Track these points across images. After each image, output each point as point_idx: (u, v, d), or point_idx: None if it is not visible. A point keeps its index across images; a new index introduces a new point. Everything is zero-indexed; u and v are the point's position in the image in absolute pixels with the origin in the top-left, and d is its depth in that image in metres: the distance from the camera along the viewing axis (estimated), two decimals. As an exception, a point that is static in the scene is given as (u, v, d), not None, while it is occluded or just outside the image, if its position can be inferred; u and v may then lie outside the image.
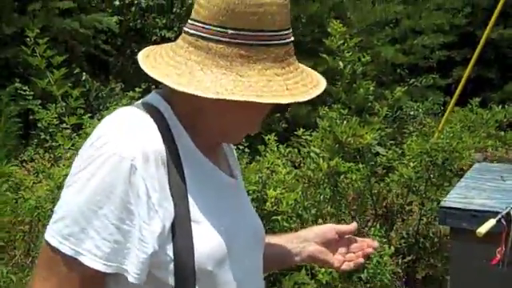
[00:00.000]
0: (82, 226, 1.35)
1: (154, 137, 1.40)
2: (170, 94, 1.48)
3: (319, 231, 1.79)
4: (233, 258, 1.46)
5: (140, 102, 1.52)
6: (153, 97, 1.50)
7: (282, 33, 1.42)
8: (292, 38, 1.46)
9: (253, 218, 1.63)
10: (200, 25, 1.42)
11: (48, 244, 1.37)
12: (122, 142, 1.36)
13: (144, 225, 1.35)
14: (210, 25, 1.40)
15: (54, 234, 1.37)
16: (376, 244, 1.76)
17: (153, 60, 1.46)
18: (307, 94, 1.43)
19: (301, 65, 1.50)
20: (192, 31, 1.43)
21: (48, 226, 1.39)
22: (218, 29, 1.39)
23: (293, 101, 1.40)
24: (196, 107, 1.46)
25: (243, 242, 1.51)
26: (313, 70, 1.53)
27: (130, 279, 1.35)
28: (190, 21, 1.45)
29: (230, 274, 1.45)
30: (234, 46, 1.39)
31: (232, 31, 1.38)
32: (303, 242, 1.78)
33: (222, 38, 1.39)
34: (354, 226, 1.76)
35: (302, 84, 1.44)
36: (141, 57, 1.48)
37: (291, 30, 1.46)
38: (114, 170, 1.34)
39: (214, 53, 1.39)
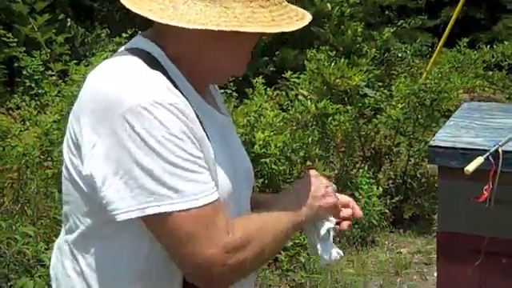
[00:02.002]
0: (180, 176, 1.32)
1: (168, 84, 1.39)
2: (159, 36, 1.46)
3: None
4: (236, 195, 1.50)
5: (129, 47, 1.49)
6: (142, 41, 1.48)
7: None
8: None
9: (244, 157, 1.64)
10: None
11: (169, 214, 1.31)
12: (155, 91, 1.34)
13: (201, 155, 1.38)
14: None
15: (165, 203, 1.31)
16: (360, 213, 1.74)
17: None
18: (293, 25, 1.42)
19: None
20: None
21: (148, 200, 1.32)
22: None
23: (279, 30, 1.40)
24: (185, 46, 1.45)
25: (240, 178, 1.54)
26: (297, 7, 1.51)
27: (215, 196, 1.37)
28: None
29: (232, 208, 1.47)
30: None
31: None
32: None
33: None
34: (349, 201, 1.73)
35: (287, 16, 1.43)
36: None
37: None
38: (168, 118, 1.33)
39: None
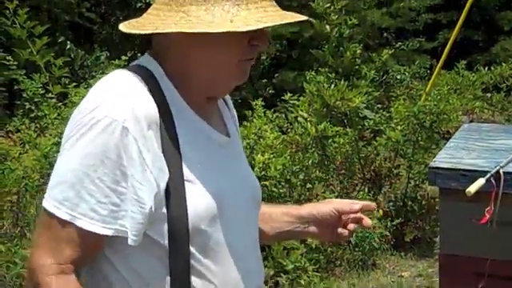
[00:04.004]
0: (76, 191, 1.35)
1: (146, 98, 1.39)
2: (158, 52, 1.48)
3: (319, 214, 1.71)
4: (227, 218, 1.46)
5: (133, 63, 1.51)
6: (144, 58, 1.50)
7: None
8: None
9: (249, 177, 1.61)
10: None
11: (45, 210, 1.38)
12: (113, 105, 1.36)
13: (139, 185, 1.35)
14: None
15: (50, 200, 1.38)
16: (369, 222, 1.70)
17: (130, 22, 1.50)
18: (283, 18, 1.44)
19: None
20: None
21: (46, 194, 1.40)
22: None
23: (235, 30, 1.39)
24: (182, 59, 1.46)
25: (238, 201, 1.50)
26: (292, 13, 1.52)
27: (130, 241, 1.36)
28: None
29: (222, 233, 1.45)
30: None
31: None
32: (304, 223, 1.73)
33: None
34: (357, 206, 1.68)
35: (279, 14, 1.44)
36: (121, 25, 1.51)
37: None
38: (105, 133, 1.34)
39: None
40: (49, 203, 1.38)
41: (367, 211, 1.71)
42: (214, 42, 1.41)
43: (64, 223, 1.36)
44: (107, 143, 1.34)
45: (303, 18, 1.48)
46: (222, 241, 1.45)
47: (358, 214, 1.67)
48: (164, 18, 1.42)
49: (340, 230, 1.69)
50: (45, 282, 1.36)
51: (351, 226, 1.67)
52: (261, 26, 1.40)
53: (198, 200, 1.41)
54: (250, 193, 1.57)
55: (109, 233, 1.36)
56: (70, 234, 1.36)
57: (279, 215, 1.75)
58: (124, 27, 1.46)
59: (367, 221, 1.68)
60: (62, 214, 1.36)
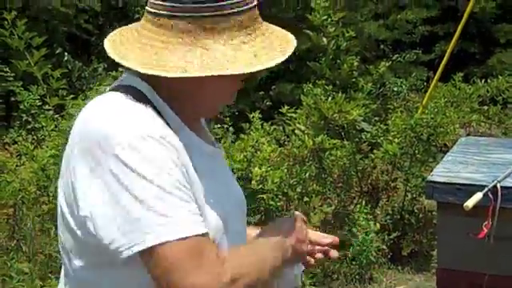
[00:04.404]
0: (178, 209, 1.33)
1: (156, 120, 1.39)
2: (149, 77, 1.46)
3: None
4: (229, 229, 1.48)
5: (117, 84, 1.49)
6: (128, 78, 1.48)
7: None
8: (255, 2, 1.46)
9: (237, 188, 1.64)
10: (160, 2, 1.41)
11: (177, 240, 1.31)
12: (139, 125, 1.35)
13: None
14: (171, 1, 1.39)
15: (172, 231, 1.31)
16: (336, 254, 1.73)
17: (119, 44, 1.46)
18: (275, 59, 1.43)
19: (269, 26, 1.50)
20: (153, 10, 1.43)
21: (156, 235, 1.31)
22: (179, 5, 1.39)
23: (262, 68, 1.40)
24: (179, 91, 1.46)
25: (234, 211, 1.53)
26: (281, 30, 1.52)
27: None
28: (150, 0, 1.45)
29: (227, 243, 1.47)
30: (197, 19, 1.38)
31: (193, 5, 1.38)
32: None
33: (183, 14, 1.38)
34: (328, 240, 1.72)
35: (270, 49, 1.44)
36: (106, 42, 1.48)
37: None
38: (156, 152, 1.34)
39: (178, 30, 1.39)
40: (157, 238, 1.30)
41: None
42: (217, 78, 1.40)
43: (201, 237, 1.34)
44: (165, 157, 1.34)
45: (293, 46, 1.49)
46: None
47: (326, 247, 1.71)
48: (181, 55, 1.38)
49: (308, 257, 1.71)
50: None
51: (319, 255, 1.70)
52: (279, 60, 1.43)
53: (208, 212, 1.43)
54: (238, 202, 1.60)
55: (204, 227, 1.36)
56: (206, 243, 1.34)
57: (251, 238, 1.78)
58: (142, 68, 1.40)
59: (334, 253, 1.72)
60: (172, 236, 1.31)
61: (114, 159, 1.32)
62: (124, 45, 1.45)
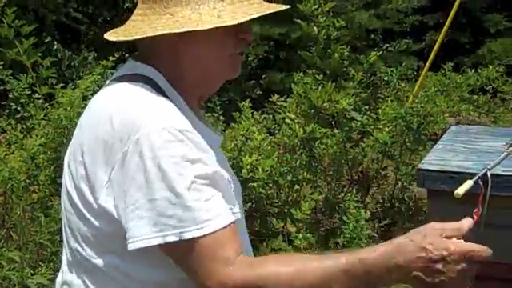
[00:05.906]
0: (204, 201, 1.34)
1: (175, 109, 1.41)
2: (148, 57, 1.48)
3: None
4: (241, 225, 1.50)
5: (130, 72, 1.49)
6: (141, 67, 1.48)
7: None
8: None
9: (235, 176, 1.63)
10: None
11: (213, 232, 1.33)
12: (163, 119, 1.37)
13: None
14: None
15: (198, 225, 1.32)
16: None
17: (129, 27, 1.49)
18: (268, 9, 1.46)
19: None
20: None
21: (181, 233, 1.32)
22: None
23: (255, 16, 1.43)
24: (174, 61, 1.47)
25: (238, 199, 1.54)
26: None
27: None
28: None
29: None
30: None
31: None
32: None
33: None
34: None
35: (263, 6, 1.47)
36: (109, 34, 1.53)
37: None
38: (180, 145, 1.35)
39: None
40: (188, 232, 1.32)
41: None
42: (204, 40, 1.44)
43: (212, 233, 1.34)
44: (190, 149, 1.35)
45: (286, 7, 1.51)
46: (242, 240, 1.46)
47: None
48: (150, 22, 1.43)
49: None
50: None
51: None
52: (248, 17, 1.43)
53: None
54: (238, 189, 1.61)
55: (232, 216, 1.38)
56: (223, 235, 1.35)
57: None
58: (110, 36, 1.47)
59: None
60: (200, 231, 1.32)
61: (138, 151, 1.33)
62: (135, 21, 1.47)
